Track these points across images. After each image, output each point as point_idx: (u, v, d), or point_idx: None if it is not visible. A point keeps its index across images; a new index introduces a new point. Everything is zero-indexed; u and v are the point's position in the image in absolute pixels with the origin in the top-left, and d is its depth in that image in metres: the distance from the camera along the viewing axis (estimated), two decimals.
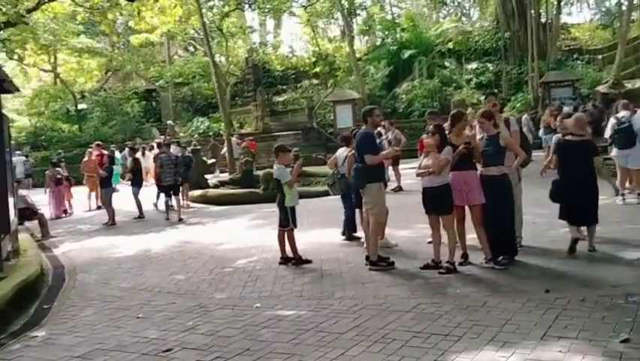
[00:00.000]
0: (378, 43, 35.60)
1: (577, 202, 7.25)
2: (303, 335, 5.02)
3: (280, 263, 7.97)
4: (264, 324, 5.42)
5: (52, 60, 34.67)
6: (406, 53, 31.38)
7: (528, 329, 4.77)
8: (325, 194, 15.47)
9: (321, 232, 10.38)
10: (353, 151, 8.07)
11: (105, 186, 14.27)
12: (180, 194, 14.69)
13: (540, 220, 9.61)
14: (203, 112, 34.79)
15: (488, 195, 6.92)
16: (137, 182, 15.08)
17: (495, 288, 6.07)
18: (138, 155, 17.60)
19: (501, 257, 7.02)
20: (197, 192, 17.38)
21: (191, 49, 42.00)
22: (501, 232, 6.95)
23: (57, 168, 16.36)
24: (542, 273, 6.53)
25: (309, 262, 7.89)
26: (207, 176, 23.06)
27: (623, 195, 10.99)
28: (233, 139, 25.20)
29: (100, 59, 35.77)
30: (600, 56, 30.06)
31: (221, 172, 24.52)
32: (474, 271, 6.79)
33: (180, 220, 13.44)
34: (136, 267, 8.70)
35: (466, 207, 7.16)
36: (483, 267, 6.92)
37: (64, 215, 15.99)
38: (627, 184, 11.44)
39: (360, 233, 8.94)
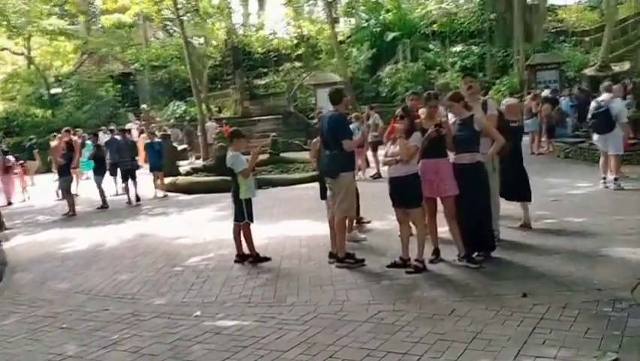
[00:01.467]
0: (361, 25, 34.66)
1: (508, 179, 7.32)
2: (239, 353, 4.31)
3: (235, 261, 7.24)
4: (198, 338, 4.70)
5: (25, 44, 33.50)
6: (390, 35, 30.56)
7: (500, 345, 4.08)
8: (303, 181, 14.80)
9: (289, 223, 9.69)
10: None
11: (63, 175, 13.42)
12: (153, 183, 14.43)
13: (522, 211, 8.93)
14: (181, 96, 33.81)
15: (462, 185, 6.21)
16: (99, 170, 14.27)
17: (466, 291, 5.37)
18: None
19: (475, 254, 6.35)
20: (167, 180, 16.56)
21: (171, 30, 40.86)
22: (476, 226, 6.25)
23: (8, 156, 15.56)
24: (520, 272, 5.84)
25: (267, 259, 7.17)
26: (181, 163, 22.32)
27: (604, 179, 10.44)
28: (211, 123, 24.39)
29: (76, 41, 34.70)
30: (587, 38, 29.45)
31: (197, 158, 23.74)
32: (445, 270, 6.09)
33: (138, 203, 13.79)
34: (80, 265, 7.94)
35: (438, 199, 6.45)
36: (456, 265, 6.22)
37: (8, 205, 15.18)
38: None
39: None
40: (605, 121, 10.28)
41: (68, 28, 31.03)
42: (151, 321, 5.24)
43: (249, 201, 7.24)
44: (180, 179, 16.52)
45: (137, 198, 14.13)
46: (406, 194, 6.14)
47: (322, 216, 8.57)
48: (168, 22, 36.34)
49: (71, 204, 13.27)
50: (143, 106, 30.04)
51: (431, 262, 6.36)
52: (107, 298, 6.20)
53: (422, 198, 6.29)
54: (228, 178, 16.12)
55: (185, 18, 30.96)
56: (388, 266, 6.32)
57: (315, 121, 17.80)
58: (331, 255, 6.78)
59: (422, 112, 6.67)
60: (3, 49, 31.04)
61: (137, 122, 29.08)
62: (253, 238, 7.32)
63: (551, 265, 5.99)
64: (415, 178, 6.13)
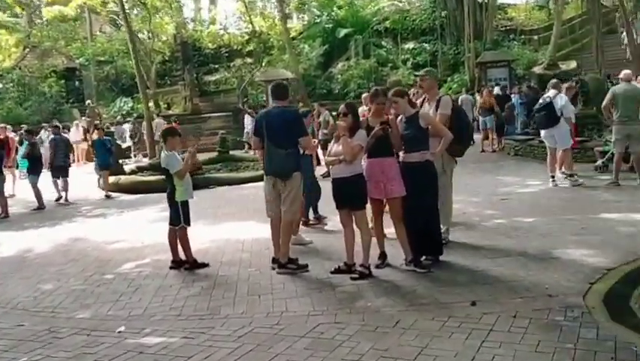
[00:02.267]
0: (313, 21, 34.29)
1: None
2: None
3: (171, 268, 6.76)
4: (118, 359, 4.23)
5: None
6: (342, 32, 30.31)
7: None
8: (253, 180, 14.34)
9: (233, 225, 9.25)
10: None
11: None
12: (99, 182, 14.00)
13: (471, 210, 8.75)
14: (129, 92, 32.73)
15: (409, 185, 5.91)
16: (34, 170, 13.52)
17: (413, 299, 5.06)
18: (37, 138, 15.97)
19: (423, 257, 6.06)
20: (110, 179, 15.85)
21: (119, 24, 39.59)
22: (423, 228, 5.95)
23: None
24: (469, 277, 5.56)
25: (205, 265, 6.72)
26: (127, 161, 21.53)
27: (553, 177, 10.38)
28: (159, 120, 23.62)
29: (18, 34, 33.21)
30: (536, 37, 29.84)
31: (144, 157, 22.95)
32: (391, 276, 5.77)
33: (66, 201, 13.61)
34: (2, 273, 7.31)
35: (385, 201, 6.13)
36: (403, 270, 5.91)
37: None
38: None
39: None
40: (548, 115, 10.23)
41: (8, 21, 29.54)
42: (67, 339, 4.73)
43: (185, 204, 6.77)
44: (123, 178, 15.81)
45: (66, 198, 13.84)
46: (349, 195, 5.78)
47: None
48: (115, 16, 35.24)
49: (4, 206, 12.51)
50: (88, 102, 28.93)
51: (377, 267, 6.03)
52: (25, 312, 5.64)
53: (367, 200, 5.96)
54: None
55: (131, 12, 30.18)
56: (332, 272, 5.97)
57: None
58: (274, 260, 6.37)
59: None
60: None
61: (83, 118, 28.02)
62: (191, 243, 6.87)
63: (502, 268, 5.74)
64: (359, 179, 5.78)
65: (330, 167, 5.98)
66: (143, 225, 10.08)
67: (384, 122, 5.86)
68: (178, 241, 6.79)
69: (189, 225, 6.77)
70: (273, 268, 6.27)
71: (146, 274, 6.66)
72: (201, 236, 8.44)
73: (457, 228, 7.46)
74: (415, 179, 5.89)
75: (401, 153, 6.10)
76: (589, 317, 4.38)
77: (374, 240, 6.10)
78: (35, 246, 8.95)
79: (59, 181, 13.92)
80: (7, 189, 14.07)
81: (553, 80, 11.20)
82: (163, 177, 15.83)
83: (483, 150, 16.56)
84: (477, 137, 17.04)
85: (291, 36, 32.72)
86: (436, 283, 5.43)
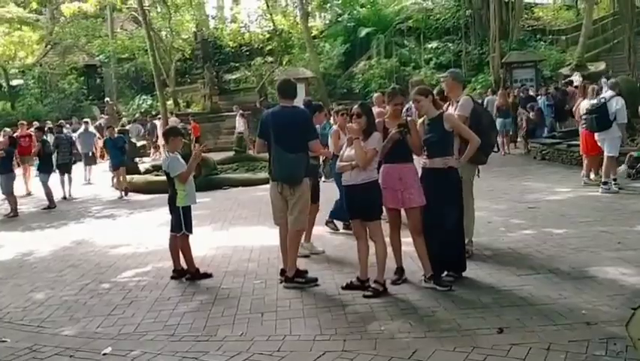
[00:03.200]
0: (335, 19, 33.73)
1: None
2: None
3: (172, 277, 6.32)
4: None
5: None
6: (364, 31, 29.71)
7: None
8: (268, 182, 13.87)
9: (243, 230, 8.81)
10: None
11: (4, 172, 12.29)
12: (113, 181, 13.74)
13: (496, 219, 8.18)
14: (149, 90, 32.51)
15: (430, 194, 5.38)
16: (45, 168, 13.22)
17: (432, 323, 4.52)
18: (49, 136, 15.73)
19: (445, 273, 5.52)
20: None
21: (140, 22, 39.43)
22: (445, 241, 5.41)
23: None
24: (496, 297, 5.01)
25: (208, 276, 6.25)
26: (145, 160, 21.21)
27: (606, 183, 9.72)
28: (173, 119, 23.28)
29: (41, 31, 33.23)
30: (564, 37, 28.96)
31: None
32: (409, 294, 5.24)
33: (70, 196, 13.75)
34: None
35: (402, 211, 5.60)
36: (421, 287, 5.38)
37: None
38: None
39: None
40: (600, 118, 9.56)
41: (29, 17, 29.46)
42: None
43: (187, 210, 6.30)
44: (137, 177, 15.45)
45: (64, 197, 13.98)
46: (363, 205, 5.27)
47: None
48: (136, 14, 35.06)
49: (13, 205, 12.22)
50: (107, 99, 28.73)
51: (393, 283, 5.51)
52: (10, 325, 5.22)
53: (382, 210, 5.44)
54: None
55: (152, 9, 29.95)
56: (344, 288, 5.46)
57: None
58: (282, 272, 5.88)
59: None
60: None
61: (102, 116, 27.87)
62: (197, 248, 6.46)
63: (531, 287, 5.18)
64: (373, 186, 5.26)
65: (343, 173, 5.43)
66: (151, 228, 9.65)
67: (401, 124, 5.33)
68: (171, 247, 6.37)
69: (191, 232, 6.32)
70: (281, 282, 5.78)
71: (145, 283, 6.21)
72: (208, 242, 8.03)
73: (481, 239, 6.91)
74: (437, 187, 5.36)
75: (422, 158, 5.57)
76: (633, 352, 3.81)
77: (391, 253, 5.58)
78: (37, 249, 8.60)
79: (65, 179, 14.07)
80: (22, 188, 13.86)
81: (613, 80, 10.49)
82: None
83: (506, 153, 15.94)
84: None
85: (312, 35, 32.27)
86: (458, 304, 4.89)
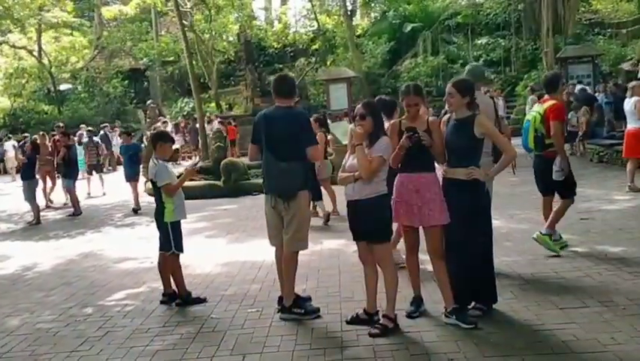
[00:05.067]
0: (380, 17, 32.73)
1: None
2: None
3: (162, 302, 5.60)
4: None
5: (34, 38, 32.41)
6: (409, 27, 28.61)
7: None
8: None
9: (256, 244, 7.99)
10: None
11: (26, 178, 11.96)
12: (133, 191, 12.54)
13: (516, 236, 7.14)
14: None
15: (450, 210, 4.46)
16: (70, 173, 12.80)
17: None
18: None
19: (472, 304, 4.59)
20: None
21: (186, 24, 39.37)
22: (468, 268, 4.48)
23: None
24: (533, 340, 4.05)
25: (200, 301, 5.50)
26: (183, 163, 20.83)
27: None
28: (216, 122, 22.82)
29: (90, 36, 33.59)
30: (624, 30, 27.08)
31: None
32: (424, 333, 4.32)
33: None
34: None
35: (421, 229, 4.70)
36: (441, 323, 4.47)
37: None
38: None
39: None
40: None
41: (74, 21, 29.66)
42: None
43: (176, 225, 5.57)
44: None
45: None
46: (368, 224, 4.38)
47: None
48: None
49: (36, 212, 11.88)
50: (149, 102, 28.63)
51: (409, 315, 4.62)
52: None
53: (391, 231, 4.56)
54: (216, 183, 14.70)
55: (195, 12, 29.64)
56: (348, 322, 4.60)
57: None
58: (280, 300, 5.05)
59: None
60: (2, 42, 29.87)
61: (148, 119, 27.83)
62: (205, 263, 5.79)
63: (575, 327, 4.19)
64: (380, 202, 4.37)
65: (344, 186, 4.55)
66: None
67: (410, 127, 4.42)
68: (161, 268, 5.66)
69: (182, 251, 5.58)
70: (278, 311, 4.96)
71: (130, 309, 5.50)
72: (218, 256, 7.36)
73: (521, 258, 5.93)
74: (459, 203, 4.43)
75: (442, 166, 4.65)
76: None
77: (408, 280, 4.69)
78: (41, 262, 8.11)
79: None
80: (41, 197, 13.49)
81: None
82: (206, 182, 15.05)
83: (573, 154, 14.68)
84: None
85: (357, 34, 31.40)
86: (484, 349, 3.94)
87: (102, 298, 5.99)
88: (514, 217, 8.15)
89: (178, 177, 5.82)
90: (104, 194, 15.46)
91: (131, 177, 12.51)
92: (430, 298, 4.87)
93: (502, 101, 18.13)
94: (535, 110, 6.26)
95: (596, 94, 17.82)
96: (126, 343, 4.58)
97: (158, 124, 24.41)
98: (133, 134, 16.92)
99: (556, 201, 6.45)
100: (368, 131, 4.35)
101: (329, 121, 12.96)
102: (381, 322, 4.38)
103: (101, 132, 23.83)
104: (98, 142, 16.82)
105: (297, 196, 4.75)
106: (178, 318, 5.12)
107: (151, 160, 5.67)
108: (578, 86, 18.72)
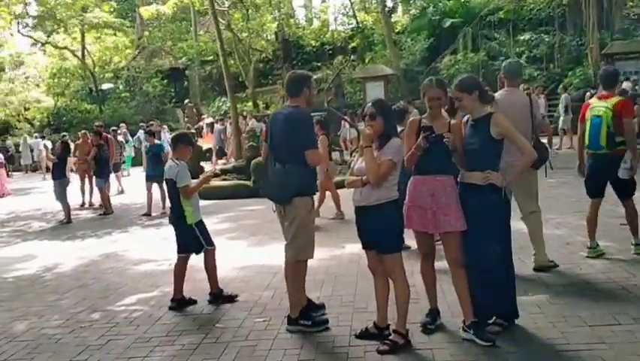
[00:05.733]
0: (419, 13, 32.11)
1: None
2: None
3: (170, 308, 5.45)
4: None
5: (77, 38, 33.06)
6: (448, 22, 27.94)
7: None
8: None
9: (277, 248, 7.71)
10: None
11: (57, 177, 12.02)
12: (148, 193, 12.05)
13: (578, 240, 6.72)
14: (233, 91, 32.37)
15: (468, 217, 4.13)
16: (102, 172, 12.82)
17: None
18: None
19: (493, 319, 4.24)
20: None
21: (224, 23, 39.57)
22: (485, 282, 4.14)
23: None
24: None
25: (231, 299, 5.47)
26: (221, 162, 20.78)
27: None
28: (253, 122, 22.72)
29: (132, 36, 34.11)
30: None
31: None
32: (437, 350, 3.99)
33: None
34: None
35: (436, 236, 4.38)
36: (458, 338, 4.14)
37: None
38: None
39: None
40: None
41: (115, 21, 30.09)
42: None
43: (200, 225, 5.55)
44: (194, 182, 14.79)
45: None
46: (376, 232, 4.09)
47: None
48: (220, 17, 35.08)
49: (67, 211, 11.94)
50: (187, 101, 28.80)
51: (424, 329, 4.31)
52: None
53: (402, 239, 4.25)
54: (245, 183, 14.52)
55: (234, 11, 29.70)
56: (357, 336, 4.31)
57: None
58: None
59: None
60: (46, 42, 30.52)
61: (187, 118, 28.04)
62: (220, 269, 5.74)
63: (605, 348, 3.80)
64: (391, 209, 4.06)
65: (353, 191, 4.26)
66: None
67: (426, 126, 4.11)
68: (177, 272, 5.57)
69: (214, 245, 5.60)
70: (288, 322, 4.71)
71: (138, 315, 5.33)
72: (236, 259, 7.18)
73: (550, 270, 5.53)
74: (473, 210, 4.09)
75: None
76: None
77: (422, 292, 4.37)
78: (62, 262, 8.07)
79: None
80: (76, 197, 13.55)
81: None
82: (236, 182, 14.87)
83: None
84: None
85: (395, 30, 30.91)
86: None
87: (113, 302, 5.85)
88: (549, 222, 7.64)
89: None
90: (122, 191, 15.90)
91: (149, 178, 12.03)
92: (449, 311, 4.54)
93: (543, 100, 17.46)
94: (602, 106, 5.82)
95: None
96: (125, 353, 4.40)
97: (202, 123, 24.60)
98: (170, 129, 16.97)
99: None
100: (378, 132, 4.06)
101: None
102: (391, 337, 4.08)
103: (140, 131, 24.11)
104: (122, 141, 17.29)
105: (291, 202, 4.48)
106: (183, 326, 4.92)
107: (170, 160, 5.60)
108: (625, 84, 17.92)
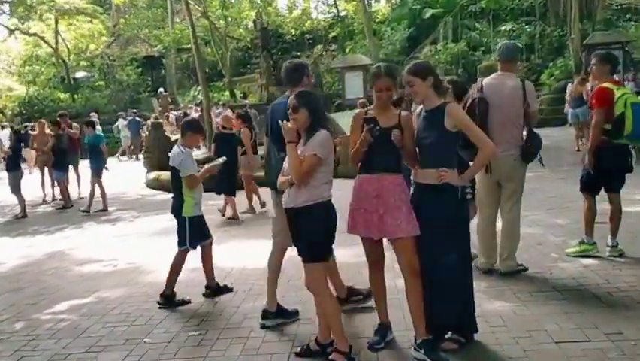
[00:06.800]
0: (400, 2, 31.62)
1: None
2: None
3: (159, 303, 5.12)
4: None
5: (50, 25, 32.11)
6: (429, 12, 27.45)
7: None
8: None
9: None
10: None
11: (10, 170, 11.40)
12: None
13: (551, 240, 6.28)
14: (209, 80, 31.65)
15: (422, 221, 3.65)
16: (60, 165, 12.19)
17: None
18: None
19: (449, 335, 3.77)
20: (152, 175, 14.44)
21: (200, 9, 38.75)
22: (439, 293, 3.67)
23: None
24: None
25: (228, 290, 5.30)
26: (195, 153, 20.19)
27: None
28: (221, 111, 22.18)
29: (108, 23, 33.25)
30: None
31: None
32: None
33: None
34: None
35: (386, 242, 3.90)
36: (410, 358, 3.67)
37: None
38: None
39: None
40: None
41: (87, 7, 29.19)
42: None
43: (196, 220, 5.18)
44: (163, 174, 14.22)
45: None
46: (300, 237, 3.67)
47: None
48: (195, 4, 34.31)
49: (22, 204, 11.33)
50: (160, 90, 28.07)
51: (371, 346, 3.83)
52: None
53: (329, 249, 3.77)
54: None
55: None
56: (298, 354, 3.82)
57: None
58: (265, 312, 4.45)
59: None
60: (15, 29, 29.58)
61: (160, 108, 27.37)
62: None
63: None
64: (318, 212, 3.58)
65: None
66: (142, 237, 8.49)
67: (369, 118, 3.62)
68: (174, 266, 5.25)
69: (194, 248, 5.23)
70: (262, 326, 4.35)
71: (62, 326, 4.78)
72: (189, 260, 6.58)
73: (519, 274, 5.09)
74: (429, 212, 3.61)
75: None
76: None
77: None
78: (3, 261, 7.61)
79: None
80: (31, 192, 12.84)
81: None
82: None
83: (578, 149, 13.57)
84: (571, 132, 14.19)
85: (376, 20, 30.40)
86: None
87: (41, 310, 5.31)
88: (523, 220, 7.16)
89: None
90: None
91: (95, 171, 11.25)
92: (405, 324, 4.06)
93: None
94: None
95: (626, 83, 16.66)
96: None
97: (191, 111, 23.91)
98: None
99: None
100: (303, 126, 3.59)
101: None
102: (331, 357, 3.60)
103: (120, 120, 23.42)
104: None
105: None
106: (108, 340, 4.38)
107: (176, 147, 5.19)
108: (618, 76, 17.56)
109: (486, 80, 5.14)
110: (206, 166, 5.45)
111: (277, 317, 4.40)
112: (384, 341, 3.88)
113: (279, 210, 4.18)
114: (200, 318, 4.74)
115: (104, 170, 11.31)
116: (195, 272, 5.94)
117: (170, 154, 5.30)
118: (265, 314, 4.41)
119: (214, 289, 5.32)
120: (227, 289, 5.37)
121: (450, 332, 3.79)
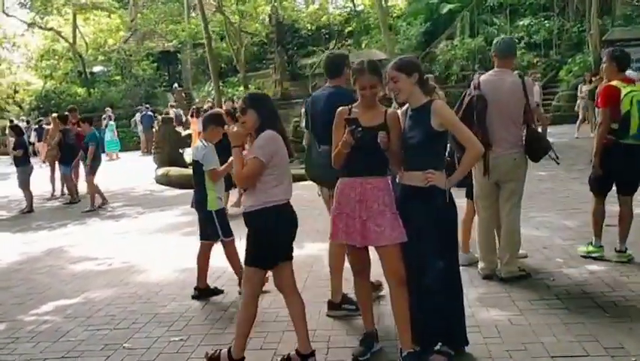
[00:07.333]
0: None
1: None
2: None
3: (193, 297, 5.16)
4: None
5: (67, 20, 32.32)
6: (446, 7, 27.00)
7: None
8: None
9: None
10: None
11: (19, 164, 11.37)
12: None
13: (558, 243, 6.01)
14: (224, 75, 31.59)
15: (408, 226, 3.44)
16: (66, 159, 12.11)
17: None
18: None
19: (438, 346, 3.56)
20: (160, 171, 14.34)
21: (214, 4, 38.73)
22: (426, 303, 3.46)
23: None
24: None
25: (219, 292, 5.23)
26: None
27: None
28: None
29: (125, 17, 33.38)
30: None
31: None
32: None
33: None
34: None
35: (372, 250, 3.69)
36: None
37: None
38: None
39: None
40: None
41: (103, 2, 29.28)
42: None
43: (220, 213, 5.15)
44: (172, 170, 14.12)
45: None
46: (247, 243, 3.56)
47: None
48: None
49: (29, 199, 11.31)
50: (175, 85, 28.05)
51: (355, 358, 3.63)
52: None
53: (264, 257, 3.57)
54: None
55: None
56: None
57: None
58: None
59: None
60: (32, 23, 29.76)
61: (175, 103, 27.33)
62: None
63: None
64: (261, 217, 3.46)
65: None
66: (144, 235, 8.39)
67: (350, 119, 3.41)
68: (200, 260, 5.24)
69: (232, 235, 5.20)
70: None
71: (44, 329, 4.66)
72: (180, 260, 6.45)
73: (521, 280, 4.85)
74: (415, 217, 3.40)
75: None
76: None
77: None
78: (3, 258, 7.45)
79: None
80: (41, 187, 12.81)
81: None
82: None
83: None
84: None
85: (393, 15, 30.04)
86: None
87: (27, 310, 5.20)
88: (529, 221, 6.92)
89: None
90: None
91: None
92: (395, 330, 3.85)
93: (537, 87, 16.67)
94: None
95: None
96: None
97: (206, 106, 23.87)
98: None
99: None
100: (252, 128, 3.47)
101: None
102: None
103: (137, 115, 23.39)
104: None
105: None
106: (87, 345, 4.23)
107: (199, 141, 5.24)
108: (629, 72, 17.11)
109: (483, 77, 4.89)
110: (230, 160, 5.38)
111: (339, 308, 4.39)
112: (370, 352, 3.68)
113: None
114: (185, 322, 4.57)
115: (98, 168, 11.19)
116: (185, 273, 5.83)
117: (192, 149, 5.34)
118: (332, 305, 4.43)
119: (206, 291, 5.22)
120: (217, 291, 5.22)
121: (439, 344, 3.57)
